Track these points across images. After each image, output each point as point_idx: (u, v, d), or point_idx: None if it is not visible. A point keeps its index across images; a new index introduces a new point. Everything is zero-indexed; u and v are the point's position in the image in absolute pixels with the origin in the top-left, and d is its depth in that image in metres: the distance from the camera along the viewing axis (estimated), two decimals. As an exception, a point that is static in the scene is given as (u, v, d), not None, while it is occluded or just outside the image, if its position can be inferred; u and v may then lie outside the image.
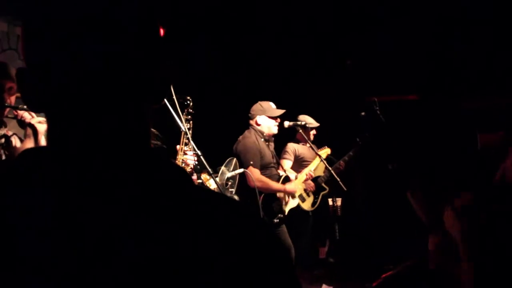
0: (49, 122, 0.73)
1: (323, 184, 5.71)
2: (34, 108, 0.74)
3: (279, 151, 5.63)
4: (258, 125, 4.71)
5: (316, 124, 5.76)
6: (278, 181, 4.71)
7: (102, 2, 0.69)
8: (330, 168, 4.98)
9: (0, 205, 0.66)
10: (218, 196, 0.75)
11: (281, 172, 4.96)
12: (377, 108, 5.70)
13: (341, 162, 5.71)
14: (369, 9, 6.12)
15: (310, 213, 5.64)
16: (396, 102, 6.34)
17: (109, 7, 0.69)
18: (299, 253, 5.26)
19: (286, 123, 4.86)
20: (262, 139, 4.67)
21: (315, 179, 5.75)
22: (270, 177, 4.65)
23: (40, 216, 0.64)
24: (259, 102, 4.78)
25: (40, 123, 2.91)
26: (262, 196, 4.39)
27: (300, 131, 5.13)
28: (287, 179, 4.80)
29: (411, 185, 2.13)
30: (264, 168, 4.60)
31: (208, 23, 5.90)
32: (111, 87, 0.70)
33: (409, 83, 6.42)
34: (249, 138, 4.61)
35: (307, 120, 5.67)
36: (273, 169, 4.74)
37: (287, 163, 5.49)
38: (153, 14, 0.73)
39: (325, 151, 5.49)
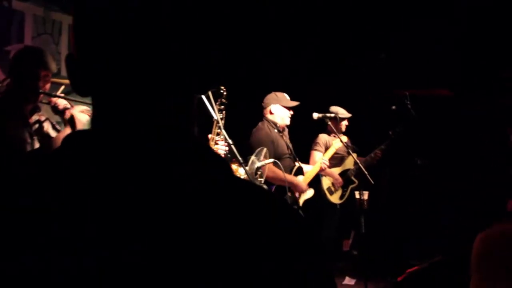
0: (94, 108, 0.75)
1: (352, 177, 5.69)
2: (81, 93, 0.76)
3: (310, 143, 5.62)
4: (272, 114, 4.68)
5: (348, 115, 5.73)
6: (291, 172, 4.66)
7: None
8: (357, 160, 4.95)
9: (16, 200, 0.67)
10: (253, 187, 0.74)
11: (304, 166, 4.94)
12: (409, 102, 5.65)
13: (373, 154, 5.68)
14: (403, 2, 6.05)
15: (338, 206, 5.64)
16: (428, 97, 6.27)
17: None
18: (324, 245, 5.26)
19: (315, 115, 4.83)
20: (276, 130, 4.64)
21: (344, 172, 5.73)
22: (284, 167, 4.52)
23: (44, 209, 0.65)
24: (273, 92, 4.76)
25: (81, 113, 2.95)
26: (274, 187, 4.38)
27: (329, 123, 5.11)
28: (300, 170, 4.76)
29: None
30: (278, 159, 4.52)
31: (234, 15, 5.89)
32: (159, 75, 0.71)
33: (442, 77, 6.33)
34: (262, 129, 4.60)
35: (339, 111, 5.65)
36: (288, 159, 4.69)
37: (317, 155, 5.46)
38: (198, 6, 0.75)
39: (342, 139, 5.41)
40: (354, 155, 5.38)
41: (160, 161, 0.68)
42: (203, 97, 2.98)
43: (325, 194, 5.57)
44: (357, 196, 4.79)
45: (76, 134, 0.73)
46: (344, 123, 5.76)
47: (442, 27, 6.04)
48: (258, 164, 3.74)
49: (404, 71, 6.23)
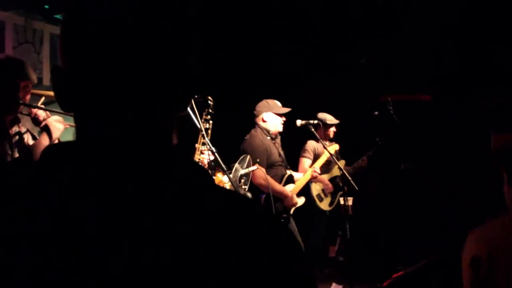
0: (77, 121, 0.75)
1: (340, 184, 5.71)
2: (65, 106, 0.76)
3: (298, 149, 5.62)
4: (264, 121, 4.69)
5: (335, 121, 5.76)
6: (281, 180, 4.66)
7: (134, 4, 0.71)
8: (341, 167, 4.95)
9: (8, 206, 0.67)
10: (234, 196, 0.75)
11: (294, 173, 4.94)
12: (391, 107, 5.69)
13: (360, 161, 5.71)
14: (384, 9, 6.10)
15: (327, 213, 5.65)
16: (409, 102, 6.31)
17: (141, 9, 0.71)
18: (310, 251, 5.26)
19: (299, 122, 4.82)
20: (268, 137, 4.65)
21: (333, 179, 5.75)
22: (276, 176, 4.61)
23: (44, 218, 0.65)
24: (265, 99, 4.77)
25: (57, 122, 2.93)
26: (264, 195, 4.39)
27: (313, 129, 5.12)
28: (291, 178, 4.76)
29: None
30: (270, 166, 4.58)
31: (222, 21, 5.91)
32: (141, 90, 0.72)
33: (422, 83, 6.39)
34: (255, 137, 4.60)
35: (326, 117, 5.70)
36: (280, 167, 4.70)
37: (306, 162, 5.47)
38: (181, 15, 0.75)
39: (333, 147, 5.45)
40: (341, 162, 5.40)
41: (143, 172, 0.69)
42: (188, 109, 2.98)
43: (314, 200, 5.58)
44: (342, 202, 4.81)
45: (59, 145, 0.73)
46: (332, 129, 5.79)
47: (422, 32, 6.10)
48: (242, 171, 3.75)
49: (385, 76, 6.28)
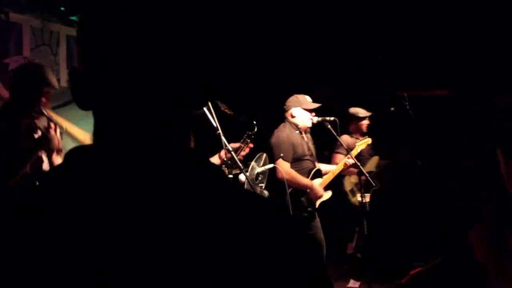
0: (96, 122, 0.77)
1: (374, 181, 5.71)
2: (83, 106, 0.78)
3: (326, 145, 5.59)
4: (293, 117, 4.71)
5: (367, 114, 5.79)
6: (309, 174, 4.67)
7: (150, 6, 0.72)
8: (358, 163, 4.91)
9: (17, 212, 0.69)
10: (245, 195, 0.76)
11: (325, 166, 4.94)
12: (407, 103, 5.67)
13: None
14: (400, 4, 6.07)
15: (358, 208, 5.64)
16: (426, 97, 6.28)
17: (156, 11, 0.72)
18: (338, 245, 5.25)
19: (315, 119, 4.79)
20: (297, 131, 4.68)
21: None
22: (302, 170, 4.62)
23: (47, 217, 0.67)
24: (295, 94, 4.79)
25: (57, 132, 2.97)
26: (290, 189, 4.40)
27: (329, 126, 5.05)
28: (318, 173, 4.77)
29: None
30: (297, 160, 4.60)
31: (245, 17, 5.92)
32: (157, 92, 0.73)
33: (439, 78, 6.35)
34: (282, 131, 4.64)
35: (358, 111, 5.76)
36: (308, 161, 4.71)
37: (339, 157, 5.46)
38: (199, 20, 0.77)
39: (365, 141, 5.38)
40: (375, 157, 5.42)
41: (159, 173, 0.70)
42: (205, 109, 3.00)
43: (347, 195, 5.58)
44: (359, 198, 4.79)
45: (80, 149, 0.74)
46: (365, 122, 5.80)
47: (438, 27, 6.05)
48: (258, 169, 3.76)
49: (401, 72, 6.25)
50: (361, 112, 5.79)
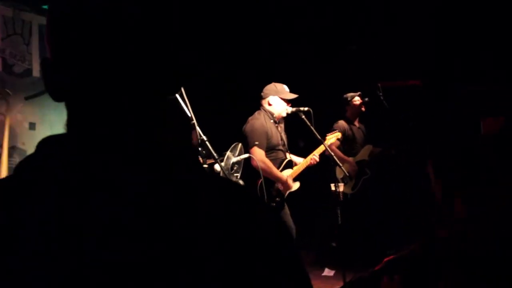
0: (69, 112, 0.76)
1: (366, 169, 5.76)
2: (56, 97, 0.77)
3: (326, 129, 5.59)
4: (270, 105, 4.68)
5: (355, 94, 5.93)
6: (281, 164, 4.68)
7: None
8: (332, 153, 4.89)
9: (8, 206, 0.68)
10: (226, 185, 0.77)
11: (296, 158, 4.95)
12: (381, 93, 5.73)
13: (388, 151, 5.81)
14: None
15: (349, 196, 5.68)
16: (399, 87, 6.35)
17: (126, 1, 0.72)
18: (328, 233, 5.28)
19: (289, 109, 4.75)
20: (272, 121, 4.66)
21: (359, 162, 5.79)
22: (275, 160, 4.62)
23: (43, 216, 0.66)
24: (273, 83, 4.74)
25: None
26: (261, 180, 4.40)
27: (303, 116, 5.05)
28: (289, 164, 4.77)
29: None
30: (270, 149, 4.59)
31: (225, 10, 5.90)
32: (130, 80, 0.73)
33: (412, 68, 6.42)
34: (257, 119, 4.61)
35: (347, 94, 5.93)
36: (280, 152, 4.70)
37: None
38: (168, 9, 0.76)
39: (335, 135, 5.41)
40: (368, 146, 5.50)
41: (133, 163, 0.70)
42: (177, 96, 2.98)
43: (337, 181, 5.61)
44: (333, 188, 4.82)
45: (51, 138, 0.74)
46: (357, 101, 5.93)
47: (412, 18, 6.12)
48: (233, 159, 3.76)
49: (375, 62, 6.30)
50: (349, 94, 5.92)
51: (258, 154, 4.35)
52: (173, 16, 0.76)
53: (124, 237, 0.65)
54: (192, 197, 0.69)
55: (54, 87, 0.76)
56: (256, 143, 4.39)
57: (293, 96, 4.68)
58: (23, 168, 0.73)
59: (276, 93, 4.67)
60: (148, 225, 0.66)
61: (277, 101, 4.67)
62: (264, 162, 4.37)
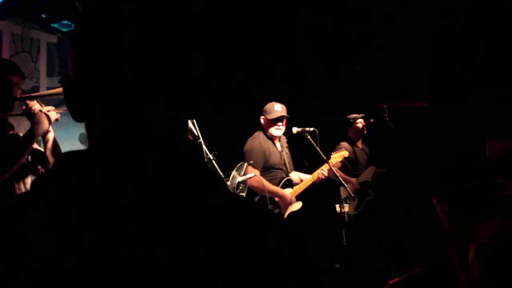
0: (89, 129, 0.77)
1: (369, 190, 5.72)
2: (77, 116, 0.77)
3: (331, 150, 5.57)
4: (262, 125, 4.70)
5: (358, 116, 5.88)
6: (279, 183, 4.60)
7: (152, 13, 0.73)
8: (337, 174, 4.85)
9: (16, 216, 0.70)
10: (233, 200, 0.77)
11: (300, 174, 4.90)
12: (386, 115, 5.73)
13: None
14: (380, 16, 6.14)
15: (352, 216, 5.65)
16: (405, 109, 6.35)
17: (158, 18, 0.74)
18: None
19: (295, 129, 4.67)
20: (270, 140, 4.64)
21: (362, 184, 5.76)
22: (274, 179, 4.57)
23: (45, 220, 0.67)
24: (271, 102, 4.72)
25: (50, 112, 2.87)
26: (258, 197, 4.37)
27: (308, 136, 5.03)
28: (289, 183, 4.70)
29: (438, 190, 2.07)
30: (269, 169, 4.55)
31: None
32: (149, 96, 0.73)
33: (419, 90, 6.43)
34: (256, 139, 4.60)
35: (350, 115, 5.88)
36: (279, 171, 4.64)
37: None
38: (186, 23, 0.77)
39: (342, 154, 5.31)
40: (371, 168, 5.47)
41: (156, 179, 0.71)
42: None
43: (341, 202, 5.58)
44: (338, 209, 4.79)
45: (74, 154, 0.74)
46: (359, 124, 5.88)
47: (417, 40, 6.14)
48: (239, 179, 3.75)
49: (380, 84, 6.32)
50: (352, 116, 5.89)
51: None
52: (200, 40, 0.78)
53: (126, 238, 0.66)
54: (197, 197, 0.70)
55: (76, 105, 0.77)
56: (251, 162, 4.34)
57: (277, 115, 4.59)
58: (43, 181, 0.74)
59: (264, 113, 4.67)
60: (152, 227, 0.67)
61: (265, 121, 4.66)
62: (257, 181, 4.29)
